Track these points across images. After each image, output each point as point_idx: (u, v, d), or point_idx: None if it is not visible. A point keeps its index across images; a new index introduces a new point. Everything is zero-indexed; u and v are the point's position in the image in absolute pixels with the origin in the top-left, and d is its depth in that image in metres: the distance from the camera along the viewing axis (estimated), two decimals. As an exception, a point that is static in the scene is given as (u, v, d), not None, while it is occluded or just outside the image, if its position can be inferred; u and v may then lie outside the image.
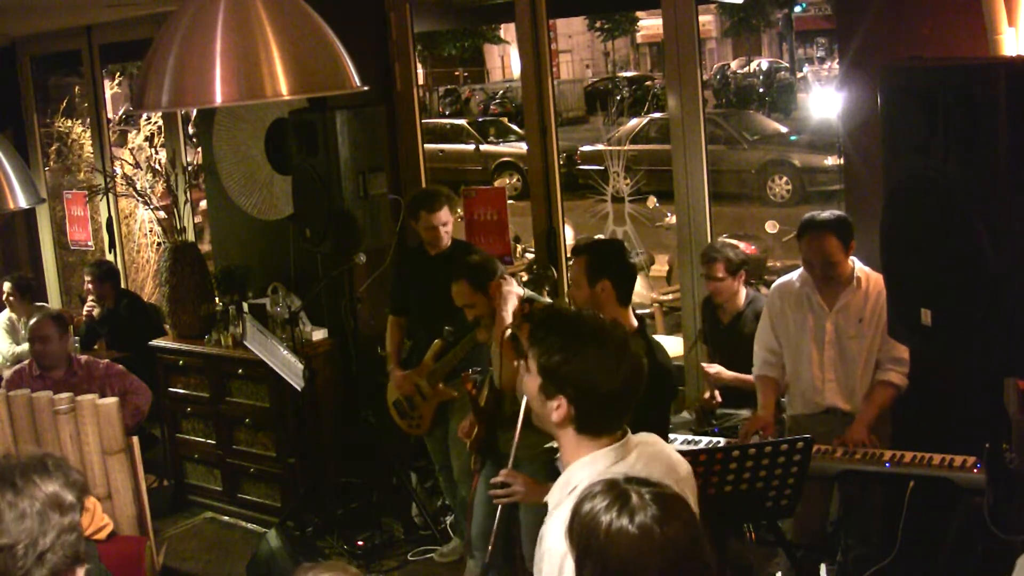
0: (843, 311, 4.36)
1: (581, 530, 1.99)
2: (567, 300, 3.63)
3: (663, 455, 2.54)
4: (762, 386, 4.56)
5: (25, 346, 6.95)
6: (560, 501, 2.40)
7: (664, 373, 3.58)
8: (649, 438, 2.55)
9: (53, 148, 8.91)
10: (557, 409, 2.41)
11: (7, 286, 7.40)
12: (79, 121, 9.02)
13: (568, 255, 6.01)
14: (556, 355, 2.40)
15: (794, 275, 4.54)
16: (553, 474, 2.75)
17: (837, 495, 4.34)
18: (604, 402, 2.39)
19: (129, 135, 9.11)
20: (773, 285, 4.68)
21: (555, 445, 2.73)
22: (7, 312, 7.39)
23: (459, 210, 6.16)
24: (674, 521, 1.96)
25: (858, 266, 4.35)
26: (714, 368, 4.95)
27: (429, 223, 5.32)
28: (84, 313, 7.28)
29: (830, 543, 4.31)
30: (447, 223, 5.38)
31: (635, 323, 3.71)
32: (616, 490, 2.01)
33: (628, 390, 2.40)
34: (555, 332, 2.45)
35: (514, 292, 4.57)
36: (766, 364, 4.57)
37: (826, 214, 4.39)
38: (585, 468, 2.41)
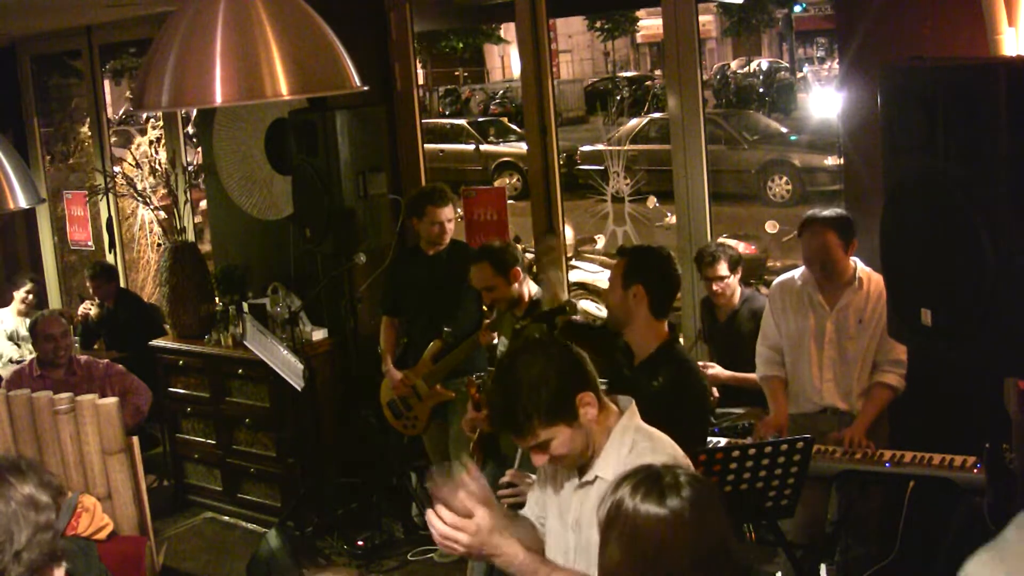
0: (844, 311, 4.35)
1: (606, 515, 1.90)
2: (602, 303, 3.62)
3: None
4: (770, 388, 4.52)
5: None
6: (624, 461, 2.44)
7: (697, 397, 3.38)
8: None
9: (58, 148, 8.89)
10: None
11: (27, 287, 7.37)
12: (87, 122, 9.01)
13: (569, 255, 6.00)
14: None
15: (795, 273, 4.53)
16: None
17: (837, 495, 4.34)
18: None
19: (135, 136, 9.08)
20: (774, 283, 4.67)
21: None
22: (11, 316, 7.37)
23: (459, 210, 6.16)
24: (709, 507, 1.85)
25: (860, 266, 4.34)
26: (712, 369, 4.95)
27: (436, 218, 5.32)
28: (80, 314, 7.27)
29: (830, 543, 4.31)
30: (451, 219, 5.39)
31: (665, 332, 3.46)
32: (645, 473, 1.92)
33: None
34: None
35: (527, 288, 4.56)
36: (771, 363, 4.54)
37: (828, 212, 4.37)
38: (629, 425, 2.53)
